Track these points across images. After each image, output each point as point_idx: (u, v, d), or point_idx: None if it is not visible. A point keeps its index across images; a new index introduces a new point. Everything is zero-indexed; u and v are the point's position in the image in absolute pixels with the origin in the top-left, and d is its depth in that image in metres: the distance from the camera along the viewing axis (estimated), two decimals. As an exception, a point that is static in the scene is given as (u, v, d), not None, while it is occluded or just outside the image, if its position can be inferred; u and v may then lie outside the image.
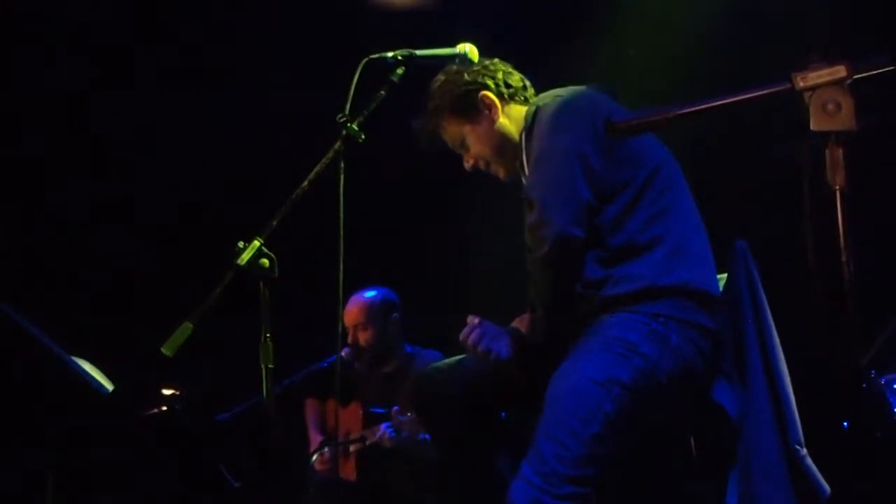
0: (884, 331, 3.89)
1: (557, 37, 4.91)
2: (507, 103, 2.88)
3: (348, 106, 2.68)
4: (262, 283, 2.65)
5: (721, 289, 2.71)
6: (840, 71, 1.76)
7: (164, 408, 2.85)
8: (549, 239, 2.53)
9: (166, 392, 2.87)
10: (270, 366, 2.71)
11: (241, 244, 2.66)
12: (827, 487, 2.54)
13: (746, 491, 2.55)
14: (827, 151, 1.76)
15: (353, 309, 4.51)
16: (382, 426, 4.22)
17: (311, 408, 4.78)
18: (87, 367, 2.83)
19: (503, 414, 2.92)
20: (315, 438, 4.68)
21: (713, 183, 3.40)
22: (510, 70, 2.93)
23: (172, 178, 5.17)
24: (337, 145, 2.68)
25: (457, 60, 2.84)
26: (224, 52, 5.06)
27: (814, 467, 2.55)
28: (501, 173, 2.90)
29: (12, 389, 2.69)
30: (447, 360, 2.94)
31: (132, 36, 4.91)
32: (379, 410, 4.32)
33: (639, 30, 4.91)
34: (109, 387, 2.83)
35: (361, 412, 4.48)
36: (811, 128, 1.75)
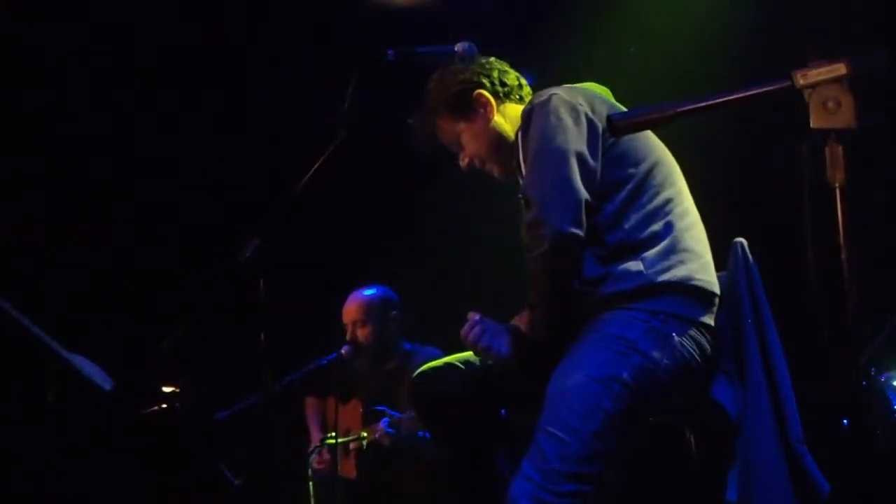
0: (884, 330, 3.90)
1: (556, 35, 4.91)
2: (503, 102, 2.87)
3: (347, 103, 2.69)
4: (261, 281, 2.65)
5: (720, 287, 2.71)
6: (840, 68, 1.76)
7: (164, 405, 2.86)
8: (547, 238, 2.53)
9: (166, 390, 2.88)
10: (270, 364, 2.71)
11: (241, 242, 2.67)
12: (827, 485, 2.54)
13: (746, 489, 2.55)
14: (827, 149, 1.76)
15: (352, 306, 4.52)
16: (381, 424, 4.22)
17: (311, 406, 4.79)
18: (87, 364, 2.83)
19: (503, 412, 2.92)
20: (316, 437, 4.68)
21: (713, 182, 3.40)
22: (506, 68, 2.92)
23: (172, 177, 5.18)
24: (336, 143, 2.69)
25: (455, 58, 2.84)
26: (224, 52, 5.06)
27: (814, 465, 2.55)
28: (497, 172, 2.90)
29: (13, 387, 2.69)
30: (447, 358, 2.94)
31: (131, 35, 4.91)
32: (380, 408, 4.33)
33: (638, 27, 4.91)
34: (110, 384, 2.83)
35: (361, 410, 4.48)
36: (811, 125, 1.75)
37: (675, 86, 4.57)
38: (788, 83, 1.78)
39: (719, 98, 1.84)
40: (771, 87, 1.81)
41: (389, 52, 2.78)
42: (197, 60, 5.03)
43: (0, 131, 4.72)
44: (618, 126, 1.92)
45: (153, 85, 5.01)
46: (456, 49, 2.82)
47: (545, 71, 3.06)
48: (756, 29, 4.64)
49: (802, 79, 1.76)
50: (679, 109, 1.85)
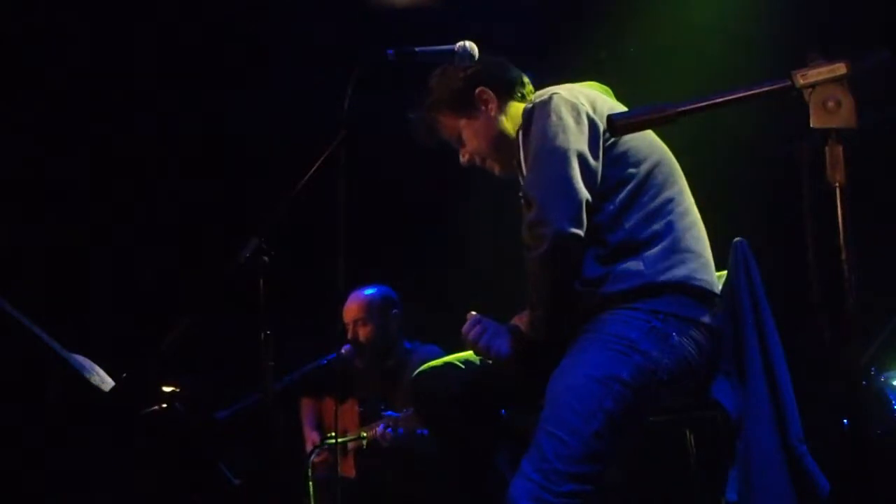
0: (884, 330, 3.90)
1: (556, 35, 4.91)
2: (505, 100, 2.88)
3: (347, 103, 2.69)
4: (261, 281, 2.65)
5: (720, 287, 2.71)
6: (840, 68, 1.76)
7: (164, 405, 2.85)
8: (548, 237, 2.53)
9: (166, 389, 2.87)
10: (270, 363, 2.71)
11: (241, 242, 2.67)
12: (827, 484, 2.54)
13: (746, 489, 2.55)
14: (827, 149, 1.76)
15: (353, 305, 4.53)
16: (380, 424, 4.22)
17: (306, 406, 4.79)
18: (87, 364, 2.83)
19: (503, 411, 2.92)
20: (311, 436, 4.68)
21: (713, 182, 3.40)
22: (509, 66, 2.93)
23: (172, 176, 5.18)
24: (336, 142, 2.69)
25: (455, 58, 2.84)
26: (224, 51, 5.06)
27: (814, 464, 2.55)
28: (497, 169, 2.90)
29: (11, 386, 2.69)
30: (447, 357, 2.94)
31: (133, 34, 4.91)
32: (380, 408, 4.33)
33: (639, 27, 4.91)
34: (109, 384, 2.83)
35: (358, 409, 4.49)
36: (811, 125, 1.75)
37: (677, 86, 4.57)
38: (788, 83, 1.78)
39: (719, 98, 1.84)
40: (771, 87, 1.81)
41: (389, 52, 2.78)
42: (196, 60, 5.03)
43: (0, 130, 4.72)
44: (617, 126, 1.92)
45: (151, 84, 5.01)
46: (456, 49, 2.82)
47: (545, 71, 3.05)
48: (757, 29, 4.64)
49: (802, 79, 1.76)
50: (679, 109, 1.85)
